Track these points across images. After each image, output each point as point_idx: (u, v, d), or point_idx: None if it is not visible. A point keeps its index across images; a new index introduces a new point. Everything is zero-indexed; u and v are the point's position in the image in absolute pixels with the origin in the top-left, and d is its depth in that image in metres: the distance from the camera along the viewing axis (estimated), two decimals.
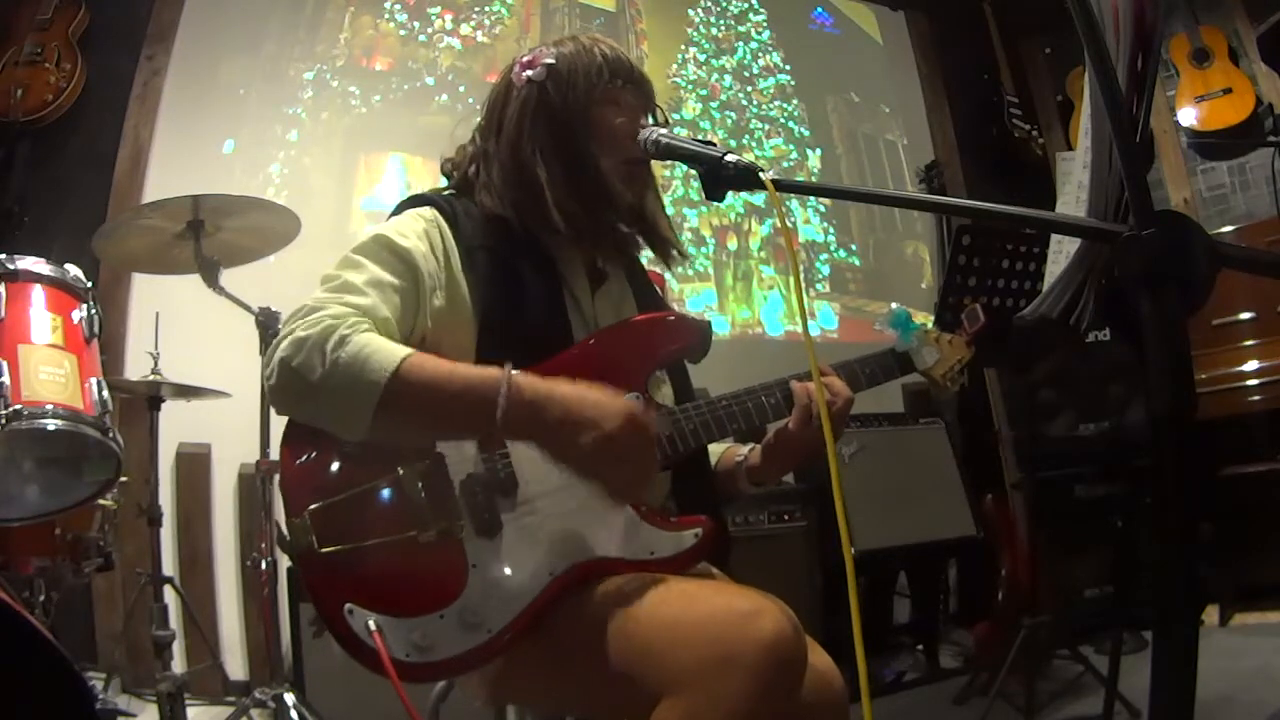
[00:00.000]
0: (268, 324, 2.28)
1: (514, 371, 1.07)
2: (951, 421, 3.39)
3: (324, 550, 1.05)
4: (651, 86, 1.34)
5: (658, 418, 1.20)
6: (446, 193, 1.34)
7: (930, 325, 1.45)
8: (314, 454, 1.12)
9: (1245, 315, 3.36)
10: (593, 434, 1.04)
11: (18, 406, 1.78)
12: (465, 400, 1.06)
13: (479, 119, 1.38)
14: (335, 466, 1.11)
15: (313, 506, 1.07)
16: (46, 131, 2.94)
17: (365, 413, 1.04)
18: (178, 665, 2.42)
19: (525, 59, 1.30)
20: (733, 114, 4.31)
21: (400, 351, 1.07)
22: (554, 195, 1.24)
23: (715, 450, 1.39)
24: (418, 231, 1.23)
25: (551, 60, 1.29)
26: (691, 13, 4.38)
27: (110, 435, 1.92)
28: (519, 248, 1.26)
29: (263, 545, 2.30)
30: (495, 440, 1.14)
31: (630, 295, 1.37)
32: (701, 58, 4.31)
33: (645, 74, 1.34)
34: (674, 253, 1.38)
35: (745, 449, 1.35)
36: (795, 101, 4.50)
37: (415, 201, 1.30)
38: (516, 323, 1.21)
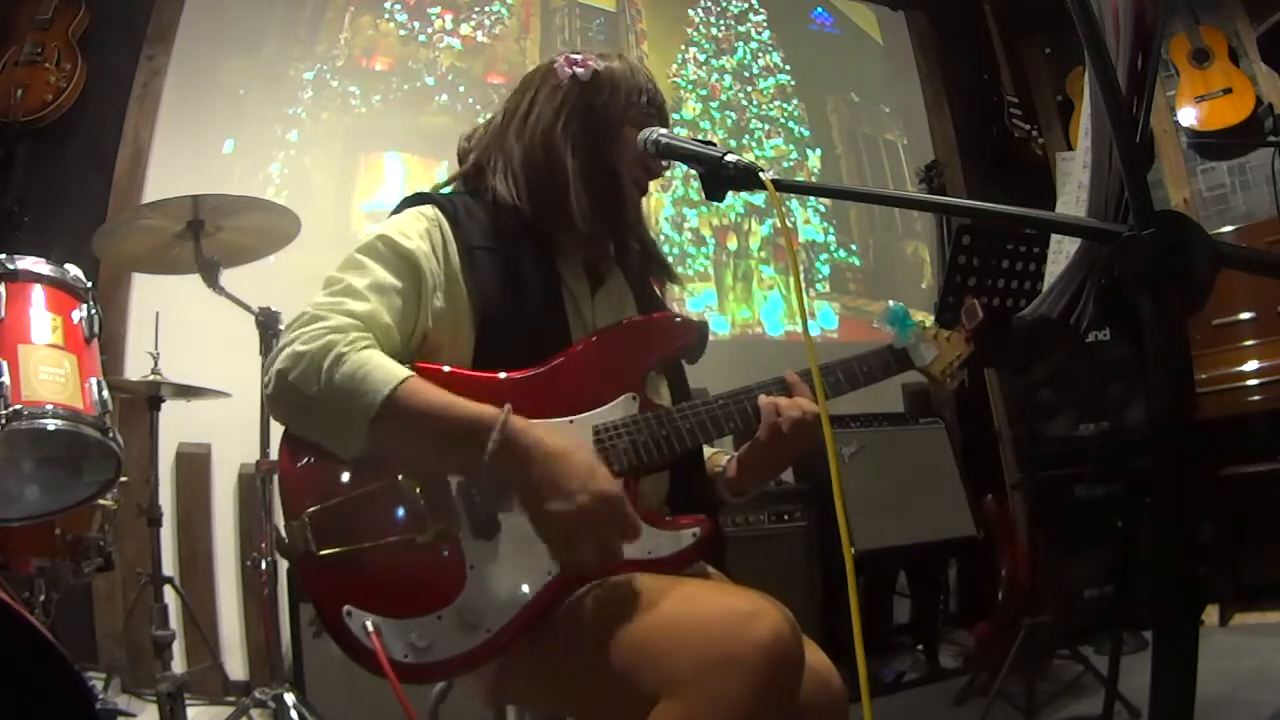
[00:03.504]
0: (268, 324, 2.28)
1: (511, 415, 1.06)
2: (951, 421, 3.39)
3: (322, 553, 1.05)
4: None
5: (651, 419, 1.20)
6: (449, 190, 1.34)
7: (928, 322, 1.44)
8: (312, 458, 1.12)
9: (1245, 315, 3.36)
10: (567, 502, 1.02)
11: (18, 406, 1.77)
12: (456, 434, 1.05)
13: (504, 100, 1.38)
14: (333, 470, 1.11)
15: (311, 509, 1.07)
16: (46, 131, 2.94)
17: (357, 433, 1.05)
18: (178, 665, 2.42)
19: (574, 57, 1.32)
20: (733, 114, 4.30)
21: (397, 374, 1.06)
22: (576, 187, 1.26)
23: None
24: (419, 231, 1.23)
25: (599, 68, 1.31)
26: (691, 13, 4.38)
27: (110, 435, 1.92)
28: (521, 246, 1.26)
29: (263, 545, 2.30)
30: None
31: (630, 296, 1.38)
32: (701, 58, 4.31)
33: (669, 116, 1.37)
34: (664, 276, 1.42)
35: (725, 459, 1.36)
36: (795, 101, 4.50)
37: (417, 199, 1.30)
38: (514, 323, 1.21)
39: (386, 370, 1.06)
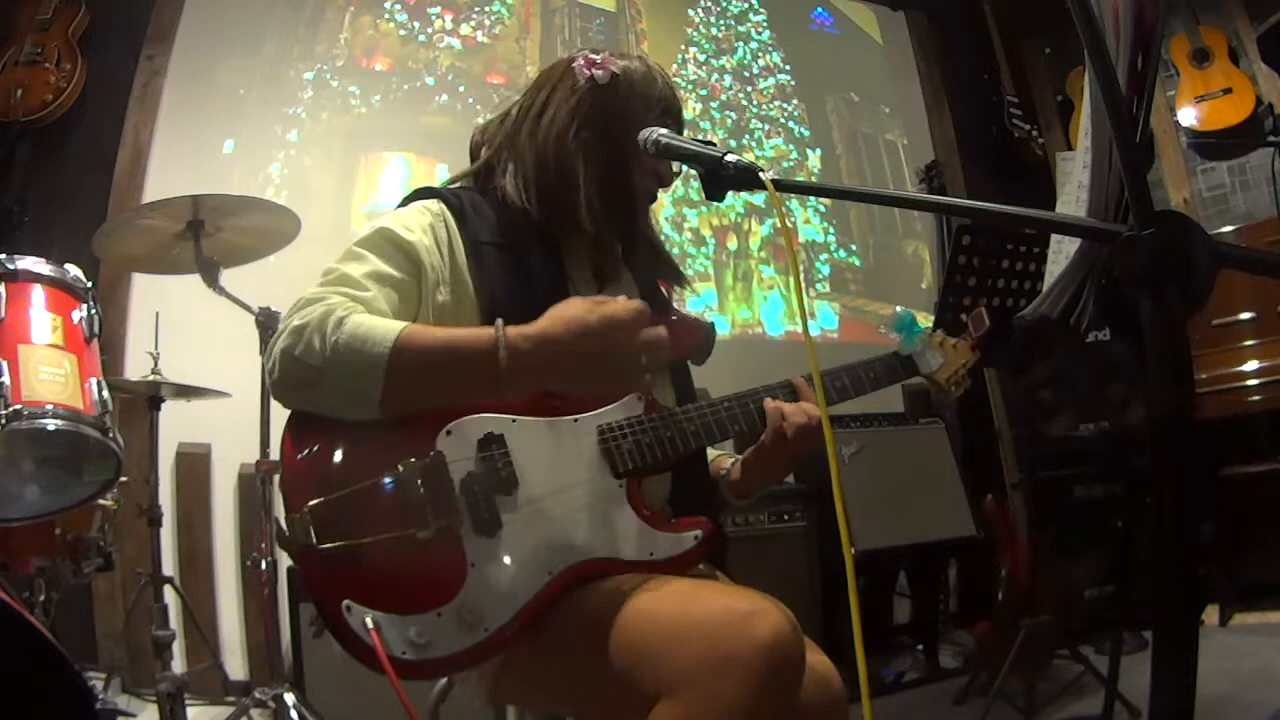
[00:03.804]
0: (268, 324, 2.28)
1: (504, 326, 1.08)
2: (951, 421, 3.39)
3: (323, 547, 1.05)
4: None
5: (655, 420, 1.20)
6: (456, 186, 1.34)
7: (934, 329, 1.44)
8: (314, 450, 1.12)
9: (1245, 315, 3.36)
10: (592, 348, 1.06)
11: (18, 406, 1.77)
12: (467, 357, 1.07)
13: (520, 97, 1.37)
14: (335, 463, 1.11)
15: (312, 503, 1.07)
16: (46, 131, 2.94)
17: (373, 388, 1.05)
18: (178, 665, 2.42)
19: (593, 57, 1.31)
20: (733, 114, 4.31)
21: (396, 324, 1.08)
22: (586, 192, 1.26)
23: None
24: (422, 225, 1.23)
25: (617, 70, 1.30)
26: (691, 13, 4.38)
27: (110, 435, 1.91)
28: (529, 244, 1.26)
29: (263, 545, 2.30)
30: (496, 438, 1.14)
31: (636, 296, 1.37)
32: (701, 58, 4.31)
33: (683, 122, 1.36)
34: (673, 278, 1.42)
35: (729, 462, 1.36)
36: (795, 101, 4.50)
37: (422, 194, 1.30)
38: (520, 319, 1.21)
39: (386, 323, 1.09)
